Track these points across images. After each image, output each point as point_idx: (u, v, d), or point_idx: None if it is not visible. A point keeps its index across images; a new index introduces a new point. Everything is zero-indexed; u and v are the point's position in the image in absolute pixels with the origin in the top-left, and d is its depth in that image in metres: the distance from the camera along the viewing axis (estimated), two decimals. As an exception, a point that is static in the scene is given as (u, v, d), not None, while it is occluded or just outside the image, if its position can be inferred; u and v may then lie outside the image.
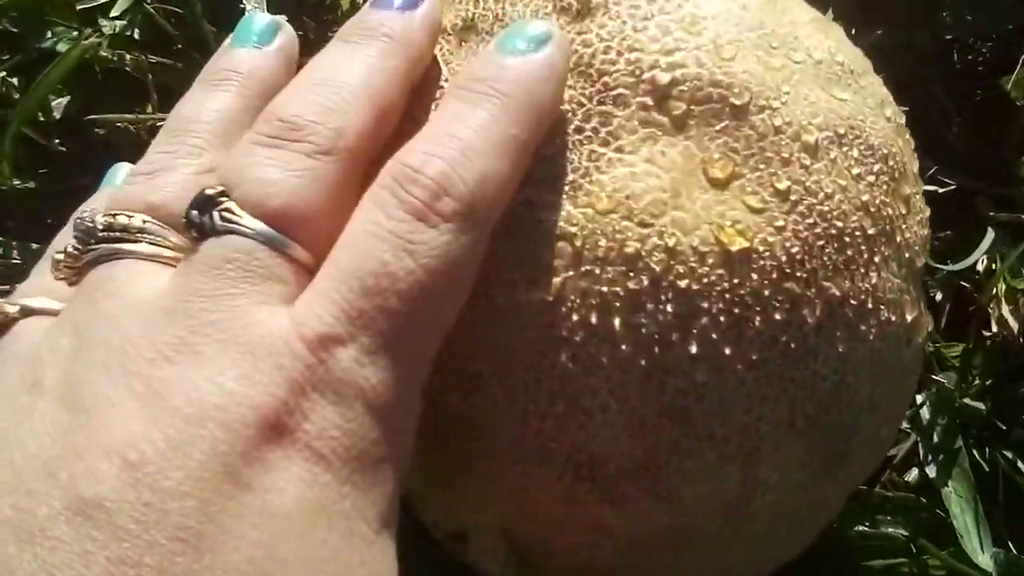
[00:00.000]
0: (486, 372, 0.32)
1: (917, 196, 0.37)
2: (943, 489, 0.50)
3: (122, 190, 0.31)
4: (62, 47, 0.61)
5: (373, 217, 0.28)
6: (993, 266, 0.53)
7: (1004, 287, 0.52)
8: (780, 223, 0.31)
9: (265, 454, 0.25)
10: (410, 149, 0.29)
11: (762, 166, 0.32)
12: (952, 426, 0.51)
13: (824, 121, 0.33)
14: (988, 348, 0.52)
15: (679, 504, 0.33)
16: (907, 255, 0.35)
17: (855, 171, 0.33)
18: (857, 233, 0.33)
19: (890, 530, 0.49)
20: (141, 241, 0.29)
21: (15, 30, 0.63)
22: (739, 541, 0.35)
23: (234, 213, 0.28)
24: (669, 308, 0.30)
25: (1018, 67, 0.55)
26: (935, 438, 0.51)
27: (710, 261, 0.31)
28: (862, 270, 0.33)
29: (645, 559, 0.35)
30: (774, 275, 0.31)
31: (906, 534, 0.49)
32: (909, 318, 0.35)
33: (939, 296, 0.54)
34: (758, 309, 0.31)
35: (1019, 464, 0.50)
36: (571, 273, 0.31)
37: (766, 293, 0.31)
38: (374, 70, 0.31)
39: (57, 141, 0.62)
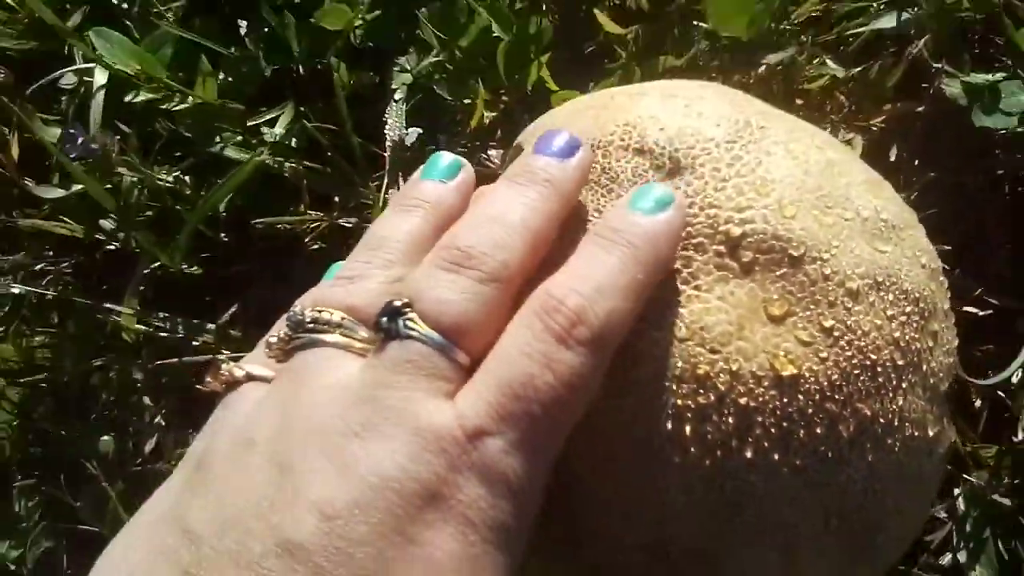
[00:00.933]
0: (581, 470, 0.38)
1: (945, 329, 0.43)
2: (970, 573, 0.54)
3: (327, 291, 0.37)
4: (230, 152, 0.69)
5: (523, 336, 0.34)
6: (1026, 379, 0.58)
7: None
8: (824, 355, 0.38)
9: (427, 516, 0.30)
10: (555, 283, 0.35)
11: (812, 307, 0.38)
12: (982, 519, 0.56)
13: (866, 271, 0.39)
14: (1017, 451, 0.57)
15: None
16: (932, 381, 0.40)
17: (889, 312, 0.39)
18: (888, 364, 0.39)
19: (924, 609, 0.54)
20: (336, 333, 0.35)
21: (188, 135, 0.71)
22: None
23: (416, 323, 0.33)
24: (730, 420, 0.37)
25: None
26: (967, 528, 0.56)
27: (765, 383, 0.37)
28: (891, 394, 0.38)
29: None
30: (817, 397, 0.37)
31: (938, 613, 0.54)
32: (931, 433, 0.40)
33: (978, 403, 0.59)
34: (803, 424, 0.37)
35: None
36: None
37: (809, 411, 0.37)
38: (535, 212, 0.37)
39: (222, 235, 0.69)
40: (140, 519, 0.34)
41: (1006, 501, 0.56)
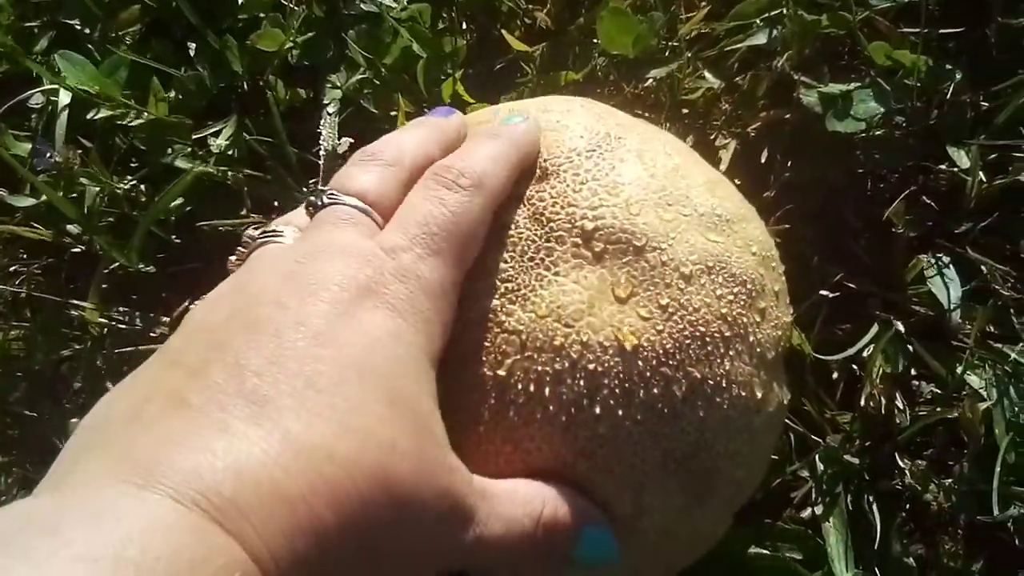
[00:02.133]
0: (458, 425, 0.43)
1: (773, 307, 0.48)
2: (824, 524, 0.60)
3: (341, 179, 0.45)
4: (180, 162, 0.74)
5: (421, 190, 0.44)
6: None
7: (879, 371, 0.62)
8: (660, 328, 0.43)
9: (364, 303, 0.38)
10: (443, 160, 0.46)
11: (651, 288, 0.44)
12: (836, 477, 0.61)
13: (699, 258, 0.45)
14: (866, 416, 0.62)
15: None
16: (758, 350, 0.46)
17: (718, 292, 0.45)
18: (716, 335, 0.44)
19: (786, 554, 0.59)
20: (277, 234, 0.44)
21: (143, 147, 0.76)
22: (634, 552, 0.46)
23: (338, 195, 0.43)
24: (581, 383, 0.42)
25: (896, 201, 0.65)
26: (823, 485, 0.61)
27: (610, 352, 0.42)
28: (719, 360, 0.44)
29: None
30: (654, 363, 0.43)
31: (798, 557, 0.60)
32: (759, 394, 0.46)
33: (835, 376, 0.65)
34: (642, 385, 0.42)
35: (877, 506, 0.60)
36: (518, 357, 0.43)
37: (648, 374, 0.42)
38: (423, 136, 0.48)
39: (174, 236, 0.74)
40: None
41: (855, 460, 0.61)
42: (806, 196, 0.68)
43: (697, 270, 0.45)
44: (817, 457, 0.62)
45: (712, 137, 0.71)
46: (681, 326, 0.43)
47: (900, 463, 0.62)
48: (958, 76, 0.67)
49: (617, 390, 0.42)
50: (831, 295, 0.65)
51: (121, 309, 0.73)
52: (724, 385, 0.44)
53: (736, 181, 0.66)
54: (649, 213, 0.45)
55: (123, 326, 0.72)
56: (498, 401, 0.43)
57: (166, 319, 0.72)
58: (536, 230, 0.46)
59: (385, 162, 0.45)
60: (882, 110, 0.66)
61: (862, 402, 0.62)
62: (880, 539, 0.59)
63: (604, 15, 0.70)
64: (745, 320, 0.46)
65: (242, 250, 0.45)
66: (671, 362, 0.43)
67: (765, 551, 0.59)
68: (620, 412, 0.42)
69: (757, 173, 0.70)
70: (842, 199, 0.69)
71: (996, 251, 0.66)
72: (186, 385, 0.35)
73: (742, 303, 0.46)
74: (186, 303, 0.73)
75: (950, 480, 0.61)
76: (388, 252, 0.40)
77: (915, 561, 0.60)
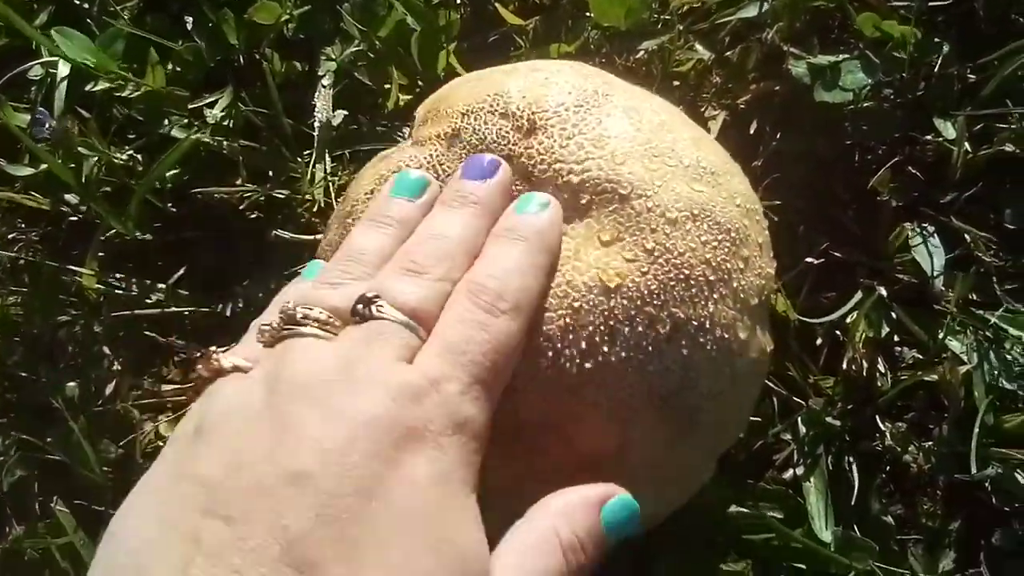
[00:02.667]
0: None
1: (757, 256, 0.49)
2: (805, 484, 0.61)
3: (313, 292, 0.44)
4: (176, 132, 0.75)
5: (459, 311, 0.41)
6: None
7: (862, 336, 0.63)
8: (645, 269, 0.44)
9: (407, 445, 0.36)
10: (476, 272, 0.43)
11: (637, 233, 0.45)
12: (817, 439, 0.62)
13: (684, 205, 0.46)
14: (848, 380, 0.63)
15: (576, 452, 0.45)
16: (742, 295, 0.47)
17: (703, 239, 0.46)
18: (701, 278, 0.45)
19: (768, 513, 0.60)
20: (319, 327, 0.41)
21: (140, 118, 0.77)
22: (624, 482, 0.47)
23: (384, 307, 0.41)
24: (567, 319, 0.43)
25: (882, 170, 0.66)
26: (805, 447, 0.62)
27: (595, 291, 0.43)
28: (703, 303, 0.45)
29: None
30: (638, 302, 0.44)
31: (780, 516, 0.60)
32: (742, 337, 0.47)
33: (819, 341, 0.66)
34: (626, 323, 0.43)
35: (857, 467, 0.61)
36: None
37: (632, 313, 0.43)
38: (468, 228, 0.45)
39: (170, 205, 0.75)
40: (140, 491, 0.38)
41: (837, 423, 0.62)
42: (794, 166, 0.69)
43: (682, 216, 0.46)
44: (799, 419, 0.63)
45: (702, 109, 0.73)
46: (666, 268, 0.45)
47: (881, 426, 0.63)
48: (946, 48, 0.68)
49: (602, 327, 0.43)
50: (817, 262, 0.66)
51: (118, 276, 0.73)
52: (708, 326, 0.45)
53: (734, 144, 0.68)
54: (635, 164, 0.47)
55: (120, 292, 0.73)
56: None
57: (162, 285, 0.73)
58: (525, 187, 0.47)
59: (439, 278, 0.43)
60: (870, 81, 0.67)
61: (844, 366, 0.63)
62: (859, 499, 0.61)
63: (595, -9, 0.71)
64: (729, 266, 0.47)
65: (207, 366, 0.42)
66: (655, 302, 0.44)
67: (747, 510, 0.60)
68: (605, 348, 0.43)
69: (746, 144, 0.71)
70: (830, 169, 0.70)
71: (980, 220, 0.67)
72: (228, 547, 0.33)
73: (726, 250, 0.47)
74: (181, 270, 0.74)
75: (930, 442, 0.62)
76: (433, 383, 0.38)
77: (894, 520, 0.61)
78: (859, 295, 0.65)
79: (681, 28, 0.73)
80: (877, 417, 0.63)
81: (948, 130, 0.67)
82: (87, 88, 0.77)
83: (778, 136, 0.71)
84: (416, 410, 0.37)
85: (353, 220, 0.51)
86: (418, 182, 0.49)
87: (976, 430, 0.58)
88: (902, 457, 0.62)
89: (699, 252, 0.46)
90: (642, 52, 0.72)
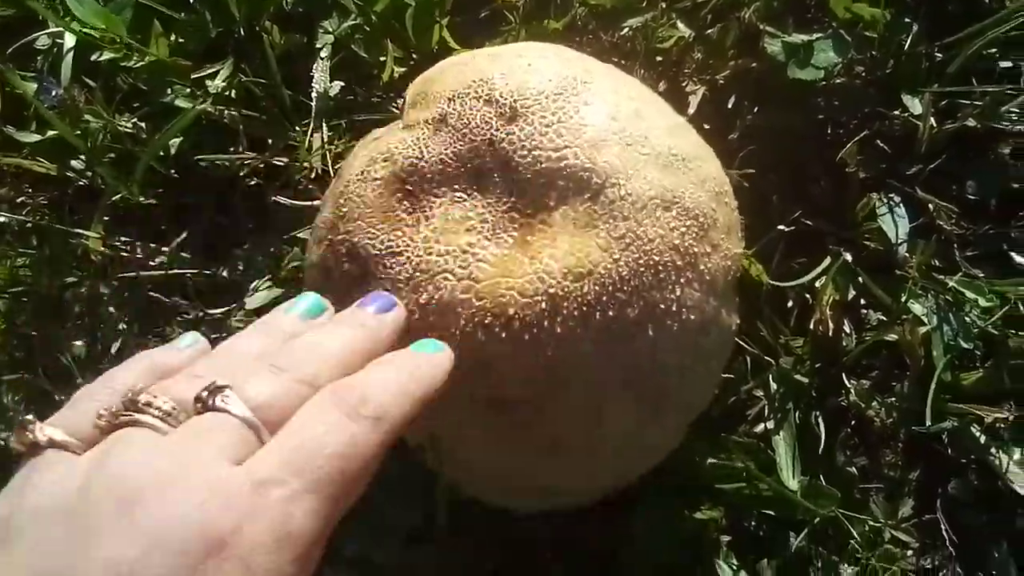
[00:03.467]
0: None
1: (724, 239, 0.52)
2: (774, 437, 0.65)
3: (172, 384, 0.38)
4: (180, 102, 0.77)
5: (313, 410, 0.37)
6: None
7: (829, 299, 0.67)
8: (616, 256, 0.47)
9: (209, 563, 0.31)
10: (344, 379, 0.39)
11: (610, 221, 0.48)
12: (786, 394, 0.66)
13: (655, 193, 0.49)
14: (816, 340, 0.67)
15: (554, 428, 0.49)
16: (708, 278, 0.50)
17: (671, 225, 0.49)
18: (669, 264, 0.48)
19: (739, 464, 0.64)
20: (160, 419, 0.36)
21: (144, 88, 0.80)
22: (597, 456, 0.51)
23: (231, 399, 0.36)
24: (543, 305, 0.47)
25: (850, 144, 0.69)
26: (775, 402, 0.66)
27: (570, 278, 0.47)
28: (671, 287, 0.48)
29: (535, 464, 0.51)
30: (610, 288, 0.47)
31: (751, 467, 0.64)
32: (708, 319, 0.50)
33: (791, 303, 0.69)
34: (598, 308, 0.47)
35: (823, 421, 0.65)
36: (488, 282, 0.47)
37: (603, 298, 0.47)
38: (345, 346, 0.41)
39: (172, 171, 0.78)
40: None
41: (805, 380, 0.66)
42: (769, 140, 0.72)
43: (653, 204, 0.49)
44: (770, 377, 0.67)
45: (683, 84, 0.75)
46: (636, 255, 0.48)
47: (847, 383, 0.67)
48: (915, 28, 0.71)
49: (576, 312, 0.47)
50: (788, 230, 0.69)
51: (123, 239, 0.77)
52: (675, 309, 0.49)
53: (705, 126, 0.71)
54: (609, 152, 0.50)
55: (125, 254, 0.76)
56: (468, 322, 0.47)
57: (165, 248, 0.76)
58: (506, 174, 0.50)
59: (300, 379, 0.38)
60: (840, 60, 0.70)
61: (812, 327, 0.66)
62: (825, 451, 0.65)
63: (583, -33, 0.73)
64: (696, 251, 0.50)
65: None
66: (626, 288, 0.47)
67: (721, 461, 0.64)
68: (579, 331, 0.47)
69: (724, 118, 0.74)
70: (803, 143, 0.73)
71: (944, 191, 0.70)
72: None
73: (694, 235, 0.50)
74: (183, 234, 0.77)
75: (892, 398, 0.66)
76: (257, 487, 0.33)
77: (857, 471, 0.65)
78: (827, 260, 0.68)
79: (664, 6, 0.75)
80: (843, 375, 0.67)
81: (915, 106, 0.70)
82: (92, 58, 0.79)
83: (755, 110, 0.74)
84: (226, 519, 0.32)
85: (346, 200, 0.53)
86: (317, 306, 0.45)
87: (933, 387, 0.62)
88: (866, 412, 0.66)
89: (668, 238, 0.49)
90: (627, 29, 0.75)
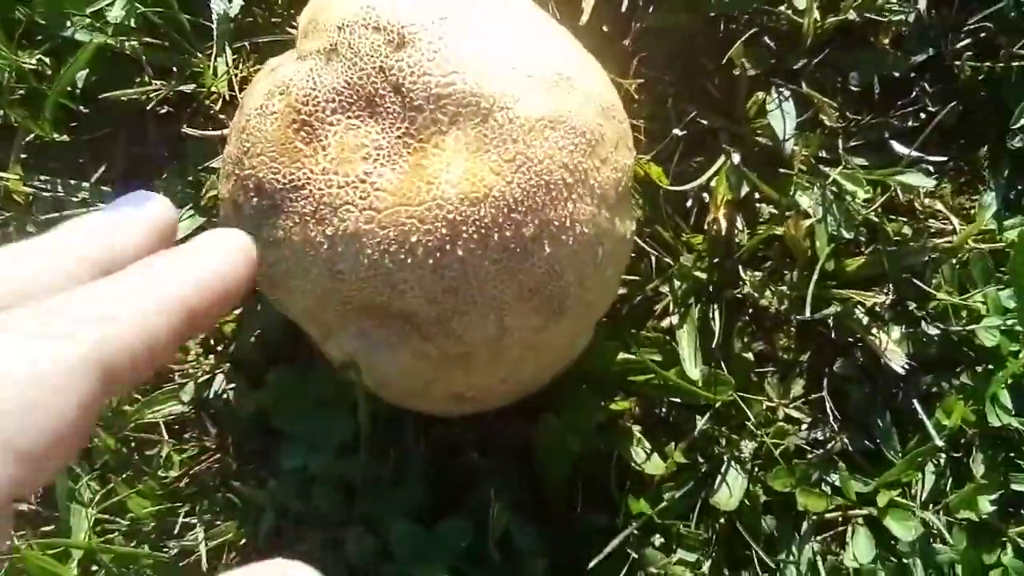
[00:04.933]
0: (340, 274, 0.51)
1: (613, 152, 0.54)
2: (678, 331, 0.69)
3: None
4: (80, 36, 0.77)
5: None
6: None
7: (722, 198, 0.70)
8: (509, 179, 0.50)
9: None
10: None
11: (500, 144, 0.50)
12: (688, 290, 0.70)
13: (543, 114, 0.51)
14: (712, 237, 0.70)
15: (461, 341, 0.52)
16: (599, 191, 0.53)
17: (560, 144, 0.51)
18: (560, 182, 0.51)
19: (648, 358, 0.68)
20: None
21: (43, 22, 0.79)
22: (505, 363, 0.54)
23: None
24: (443, 230, 0.49)
25: (736, 44, 0.71)
26: (678, 298, 0.70)
27: (466, 203, 0.49)
28: (563, 203, 0.51)
29: (448, 374, 0.54)
30: (505, 210, 0.49)
31: (658, 360, 0.68)
32: (602, 228, 0.53)
33: (690, 203, 0.72)
34: (495, 229, 0.49)
35: (722, 313, 0.70)
36: (389, 211, 0.49)
37: (499, 220, 0.49)
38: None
39: (82, 108, 0.78)
40: None
41: (704, 275, 0.70)
42: (663, 41, 0.74)
43: (540, 125, 0.51)
44: (672, 274, 0.70)
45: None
46: (528, 176, 0.50)
47: (742, 275, 0.70)
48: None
49: (475, 235, 0.49)
50: (682, 133, 0.71)
51: (43, 178, 0.77)
52: (568, 224, 0.51)
53: (604, 28, 0.72)
54: (496, 76, 0.51)
55: (47, 194, 0.76)
56: (374, 250, 0.50)
57: (86, 184, 0.76)
58: (398, 100, 0.51)
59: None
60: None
61: (706, 225, 0.70)
62: (725, 340, 0.69)
63: None
64: (586, 166, 0.52)
65: None
66: (520, 208, 0.50)
67: (631, 355, 0.68)
68: (479, 253, 0.50)
69: (619, 21, 0.75)
70: (696, 41, 0.75)
71: (829, 83, 0.73)
72: None
73: (583, 152, 0.52)
74: (102, 168, 0.77)
75: (784, 287, 0.70)
76: None
77: (754, 356, 0.69)
78: (721, 160, 0.71)
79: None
80: (740, 268, 0.71)
81: (799, 0, 0.72)
82: (-14, -7, 0.78)
83: (650, 10, 0.75)
84: None
85: (248, 135, 0.54)
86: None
87: (815, 278, 0.66)
88: (759, 302, 0.70)
89: (557, 157, 0.51)
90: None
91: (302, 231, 0.51)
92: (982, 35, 0.74)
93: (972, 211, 0.71)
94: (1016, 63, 0.73)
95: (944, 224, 0.71)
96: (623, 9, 0.75)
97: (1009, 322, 0.67)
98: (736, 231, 0.71)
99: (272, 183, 0.52)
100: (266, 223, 0.52)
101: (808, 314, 0.66)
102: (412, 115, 0.51)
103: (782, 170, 0.71)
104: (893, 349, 0.67)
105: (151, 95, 0.75)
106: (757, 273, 0.71)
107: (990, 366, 0.68)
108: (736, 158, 0.70)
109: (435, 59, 0.51)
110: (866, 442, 0.68)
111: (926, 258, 0.69)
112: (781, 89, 0.72)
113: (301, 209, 0.51)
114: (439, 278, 0.50)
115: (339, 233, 0.50)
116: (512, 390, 0.58)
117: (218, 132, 0.74)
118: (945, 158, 0.71)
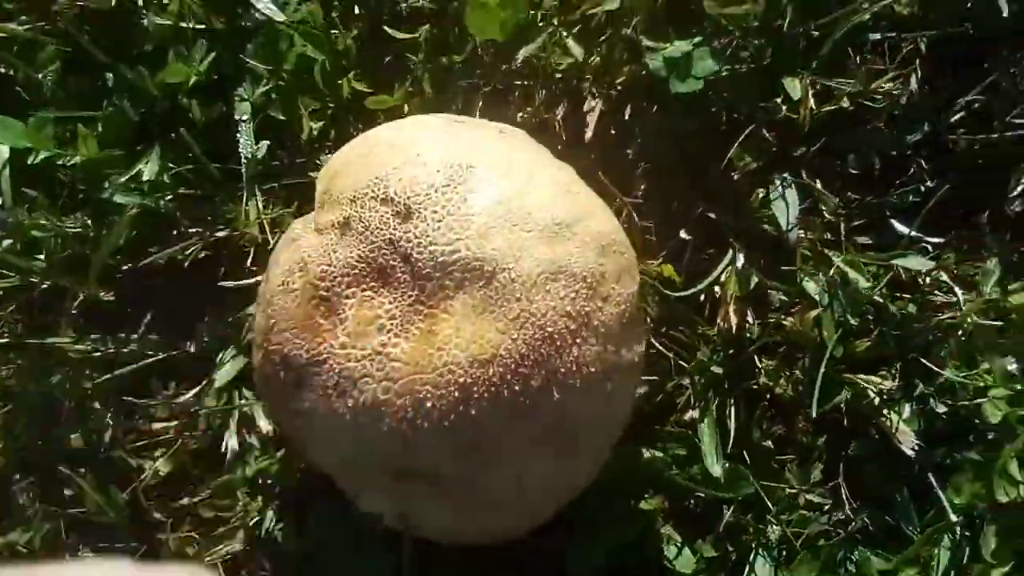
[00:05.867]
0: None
1: (615, 288, 0.57)
2: (699, 426, 0.71)
3: None
4: (118, 198, 0.80)
5: None
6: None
7: (732, 295, 0.72)
8: (514, 336, 0.53)
9: None
10: None
11: (504, 304, 0.53)
12: (706, 384, 0.72)
13: (543, 268, 0.54)
14: (723, 332, 0.73)
15: (486, 493, 0.56)
16: (602, 329, 0.56)
17: (561, 294, 0.54)
18: (563, 331, 0.54)
19: (673, 452, 0.71)
20: None
21: (83, 187, 0.83)
22: (529, 503, 0.58)
23: None
24: (456, 393, 0.53)
25: (735, 147, 0.74)
26: (698, 393, 0.72)
27: (475, 365, 0.53)
28: (567, 350, 0.54)
29: (476, 519, 0.58)
30: (512, 367, 0.53)
31: (683, 454, 0.71)
32: (609, 364, 0.56)
33: (703, 298, 0.75)
34: (504, 386, 0.53)
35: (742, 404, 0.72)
36: (404, 379, 0.53)
37: (508, 377, 0.53)
38: None
39: (129, 264, 0.82)
40: None
41: (720, 369, 0.72)
42: (666, 143, 0.77)
43: (541, 279, 0.54)
44: (690, 371, 0.73)
45: (584, 95, 0.80)
46: (531, 331, 0.53)
47: (757, 364, 0.73)
48: (790, 13, 0.75)
49: (486, 394, 0.53)
50: (687, 239, 0.74)
51: (93, 337, 0.81)
52: (575, 369, 0.54)
53: (612, 131, 0.76)
54: (497, 238, 0.55)
55: (98, 354, 0.81)
56: (392, 419, 0.53)
57: (134, 336, 0.81)
58: (408, 269, 0.55)
59: None
60: (719, 67, 0.75)
61: (720, 320, 0.72)
62: (744, 430, 0.72)
63: (469, 12, 0.77)
64: (588, 309, 0.55)
65: None
66: (527, 362, 0.53)
67: (657, 452, 0.71)
68: (492, 410, 0.53)
69: (622, 132, 0.79)
70: (698, 138, 0.78)
71: (829, 168, 0.76)
72: None
73: (584, 296, 0.55)
74: (147, 317, 0.82)
75: (798, 371, 0.72)
76: None
77: (773, 442, 0.72)
78: (729, 255, 0.74)
79: (556, 23, 0.79)
80: (755, 357, 0.73)
81: (795, 89, 0.75)
82: (28, 161, 0.83)
83: (653, 110, 0.78)
84: None
85: (273, 310, 0.58)
86: None
87: (822, 370, 0.69)
88: (775, 389, 0.72)
89: (559, 307, 0.54)
90: (520, 58, 0.79)
91: (326, 403, 0.55)
92: (975, 106, 0.76)
93: (976, 277, 0.73)
94: (1010, 132, 0.74)
95: (949, 297, 0.72)
96: (627, 116, 0.79)
97: (1018, 387, 0.68)
98: (747, 324, 0.73)
99: (296, 357, 0.56)
100: (295, 393, 0.56)
101: (815, 409, 0.68)
102: (421, 283, 0.54)
103: (788, 262, 0.73)
104: (904, 430, 0.69)
105: (187, 250, 0.80)
106: (771, 362, 0.73)
107: (998, 437, 0.69)
108: (741, 257, 0.73)
109: (439, 228, 0.55)
110: (887, 518, 0.70)
111: (931, 336, 0.71)
112: (783, 177, 0.75)
113: (324, 383, 0.55)
114: (455, 439, 0.53)
115: (359, 405, 0.54)
116: (542, 514, 0.61)
117: (253, 281, 0.78)
118: (942, 239, 0.74)
